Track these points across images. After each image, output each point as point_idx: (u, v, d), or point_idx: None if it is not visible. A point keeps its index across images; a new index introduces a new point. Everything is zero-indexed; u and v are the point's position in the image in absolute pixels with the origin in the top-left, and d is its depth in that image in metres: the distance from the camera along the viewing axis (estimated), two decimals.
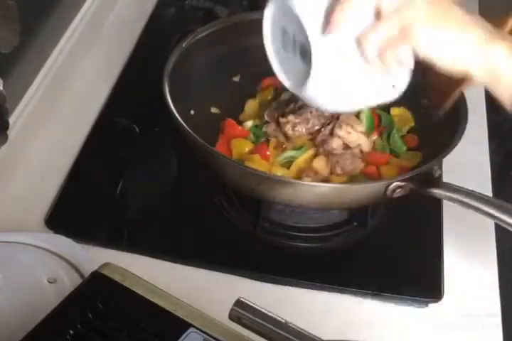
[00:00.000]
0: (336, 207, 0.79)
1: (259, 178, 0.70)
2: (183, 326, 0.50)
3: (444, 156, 0.71)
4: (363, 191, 0.72)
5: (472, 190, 0.68)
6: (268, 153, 0.81)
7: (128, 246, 0.79)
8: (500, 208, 0.66)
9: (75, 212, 0.83)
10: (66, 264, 0.71)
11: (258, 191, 0.71)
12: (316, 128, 0.81)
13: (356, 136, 0.80)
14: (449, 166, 0.74)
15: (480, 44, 0.57)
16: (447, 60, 0.57)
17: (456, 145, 0.72)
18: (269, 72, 0.69)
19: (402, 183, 0.69)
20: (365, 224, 0.82)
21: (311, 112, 0.80)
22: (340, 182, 0.77)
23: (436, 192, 0.69)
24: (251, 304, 0.53)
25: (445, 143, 0.73)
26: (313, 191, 0.70)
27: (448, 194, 0.69)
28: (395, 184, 0.69)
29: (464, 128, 0.74)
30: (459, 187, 0.69)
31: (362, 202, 0.76)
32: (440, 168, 0.72)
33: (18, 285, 0.67)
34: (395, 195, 0.70)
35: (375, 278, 0.78)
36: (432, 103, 0.80)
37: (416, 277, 0.78)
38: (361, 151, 0.81)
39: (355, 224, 0.82)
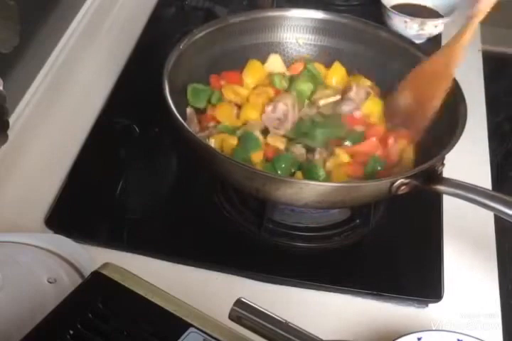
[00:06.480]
0: (341, 206, 0.79)
1: (265, 179, 0.70)
2: (183, 326, 0.50)
3: (447, 152, 0.72)
4: (368, 189, 0.72)
5: (475, 185, 0.69)
6: None
7: (128, 246, 0.79)
8: (504, 202, 0.66)
9: (75, 212, 0.83)
10: (66, 264, 0.71)
11: (264, 191, 0.71)
12: None
13: None
14: (449, 166, 0.74)
15: None
16: None
17: (457, 140, 0.72)
18: None
19: (407, 180, 0.70)
20: (368, 223, 0.82)
21: None
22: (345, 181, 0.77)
23: (440, 188, 0.70)
24: (251, 304, 0.53)
25: (446, 141, 0.73)
26: (319, 190, 0.70)
27: (452, 189, 0.69)
28: (399, 181, 0.69)
29: (464, 123, 0.75)
30: (462, 182, 0.70)
31: (366, 200, 0.76)
32: (443, 164, 0.73)
33: (18, 285, 0.67)
34: (400, 192, 0.70)
35: (376, 278, 0.78)
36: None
37: (416, 277, 0.78)
38: None
39: (357, 221, 0.82)
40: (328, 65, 0.91)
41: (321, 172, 0.76)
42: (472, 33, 0.76)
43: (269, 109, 0.83)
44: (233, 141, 0.79)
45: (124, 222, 0.83)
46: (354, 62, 0.90)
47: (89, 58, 1.04)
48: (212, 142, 0.79)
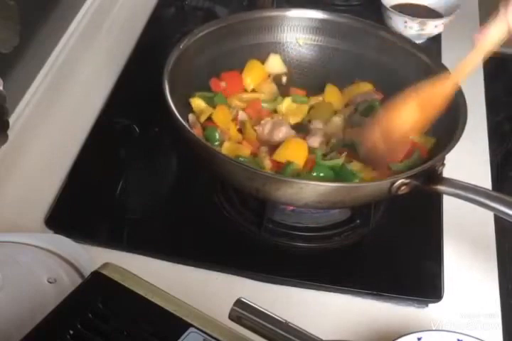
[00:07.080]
0: (341, 206, 0.79)
1: (265, 179, 0.70)
2: (183, 326, 0.50)
3: (447, 153, 0.72)
4: (368, 189, 0.72)
5: (475, 185, 0.69)
6: None
7: (128, 246, 0.79)
8: (504, 202, 0.66)
9: (74, 212, 0.83)
10: (66, 264, 0.71)
11: (264, 191, 0.71)
12: None
13: None
14: (448, 166, 0.74)
15: None
16: None
17: (457, 141, 0.72)
18: None
19: (407, 180, 0.70)
20: (368, 223, 0.82)
21: None
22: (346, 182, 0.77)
23: (441, 188, 0.70)
24: (251, 304, 0.53)
25: (446, 141, 0.73)
26: (319, 190, 0.70)
27: (452, 189, 0.69)
28: (399, 181, 0.69)
29: (465, 123, 0.75)
30: (462, 182, 0.70)
31: (366, 200, 0.76)
32: (443, 164, 0.73)
33: (18, 285, 0.67)
34: (400, 192, 0.70)
35: (376, 278, 0.78)
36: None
37: (416, 277, 0.78)
38: None
39: (357, 221, 0.82)
40: (328, 64, 0.91)
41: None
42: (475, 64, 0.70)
43: (260, 129, 0.83)
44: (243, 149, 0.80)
45: (124, 222, 0.83)
46: (354, 63, 0.90)
47: (89, 58, 1.04)
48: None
